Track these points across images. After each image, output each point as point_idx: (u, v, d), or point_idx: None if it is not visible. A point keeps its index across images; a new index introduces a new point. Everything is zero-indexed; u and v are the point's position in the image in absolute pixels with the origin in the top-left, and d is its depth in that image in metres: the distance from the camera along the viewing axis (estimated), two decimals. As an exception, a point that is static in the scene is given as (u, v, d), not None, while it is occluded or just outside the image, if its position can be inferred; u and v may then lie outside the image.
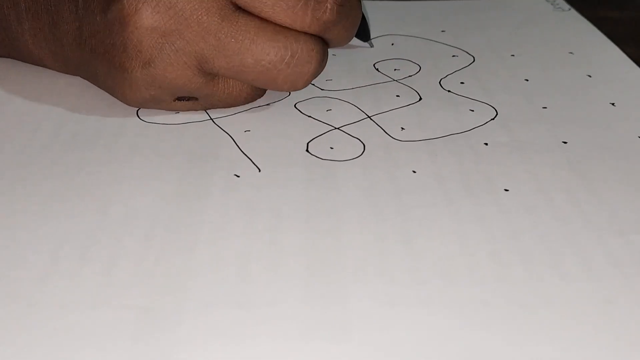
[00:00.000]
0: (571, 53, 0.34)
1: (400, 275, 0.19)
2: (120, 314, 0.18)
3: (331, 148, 0.26)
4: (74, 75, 0.30)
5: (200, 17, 0.24)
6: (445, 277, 0.19)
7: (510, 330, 0.18)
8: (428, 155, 0.25)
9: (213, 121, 0.27)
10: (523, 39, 0.36)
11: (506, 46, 0.35)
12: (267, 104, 0.28)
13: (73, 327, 0.18)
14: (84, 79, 0.29)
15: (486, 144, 0.26)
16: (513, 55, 0.34)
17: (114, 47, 0.25)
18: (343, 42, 0.27)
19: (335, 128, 0.27)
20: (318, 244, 0.21)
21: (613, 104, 0.29)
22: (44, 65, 0.30)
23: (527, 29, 0.37)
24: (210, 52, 0.25)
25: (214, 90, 0.26)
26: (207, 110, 0.28)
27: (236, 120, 0.27)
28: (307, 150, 0.25)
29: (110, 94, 0.27)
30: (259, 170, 0.24)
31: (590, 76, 0.31)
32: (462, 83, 0.31)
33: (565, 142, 0.26)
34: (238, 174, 0.24)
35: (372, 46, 0.34)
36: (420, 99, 0.29)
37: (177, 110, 0.27)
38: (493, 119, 0.28)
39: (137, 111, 0.28)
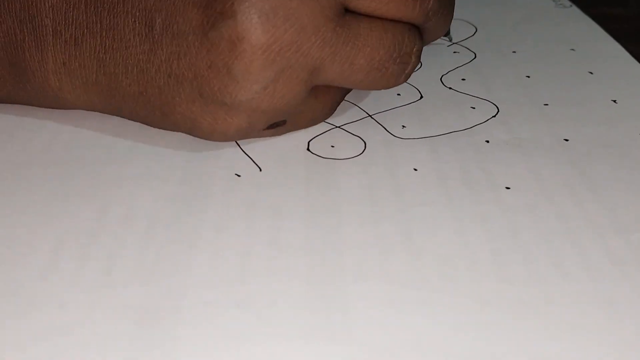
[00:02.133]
0: (573, 50, 0.34)
1: (400, 274, 0.19)
2: (119, 313, 0.18)
3: (332, 146, 0.26)
4: (112, 113, 0.26)
5: (318, 24, 0.22)
6: (446, 276, 0.19)
7: (510, 329, 0.18)
8: (429, 153, 0.25)
9: (214, 120, 0.27)
10: (524, 35, 0.35)
11: (507, 43, 0.35)
12: (268, 102, 0.28)
13: (72, 326, 0.18)
14: (130, 117, 0.26)
15: (487, 141, 0.26)
16: (514, 52, 0.33)
17: (212, 69, 0.22)
18: (439, 33, 0.26)
19: (336, 126, 0.27)
20: (318, 242, 0.21)
21: (615, 101, 0.29)
22: (64, 105, 0.26)
23: (528, 25, 0.37)
24: (326, 61, 0.23)
25: (305, 107, 0.25)
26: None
27: (237, 118, 0.27)
28: (307, 149, 0.25)
29: (185, 130, 0.24)
30: (260, 170, 0.24)
31: (592, 73, 0.31)
32: (463, 80, 0.31)
33: (566, 140, 0.26)
34: (239, 174, 0.24)
35: (451, 40, 0.33)
36: (422, 96, 0.29)
37: (259, 137, 0.26)
38: (494, 116, 0.28)
39: (138, 110, 0.28)
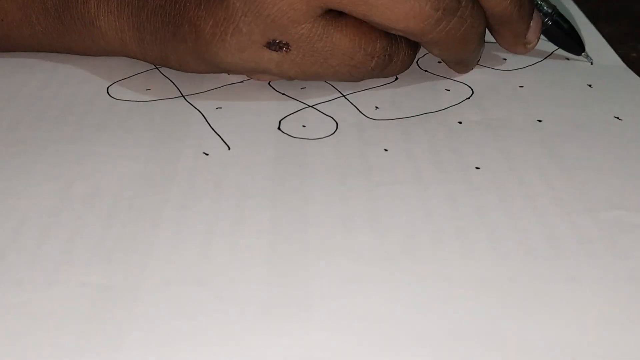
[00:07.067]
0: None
1: (364, 251, 0.19)
2: (77, 291, 0.18)
3: (303, 126, 0.25)
4: (137, 42, 0.28)
5: None
6: (410, 253, 0.19)
7: (474, 306, 0.17)
8: (401, 134, 0.25)
9: (184, 98, 0.27)
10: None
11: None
12: (241, 81, 0.28)
13: (29, 304, 0.17)
14: (150, 44, 0.27)
15: (460, 122, 0.26)
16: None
17: None
18: None
19: (309, 106, 0.27)
20: (283, 222, 0.20)
21: (590, 85, 0.29)
22: (96, 36, 0.28)
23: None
24: None
25: (311, 35, 0.25)
26: (180, 87, 0.27)
27: (208, 97, 0.27)
28: (278, 128, 0.25)
29: (191, 42, 0.26)
30: (229, 148, 0.24)
31: (568, 59, 0.31)
32: (439, 62, 0.30)
33: (540, 121, 0.26)
34: (207, 152, 0.24)
35: (592, 63, 0.30)
36: (397, 78, 0.29)
37: (264, 71, 0.26)
38: (469, 98, 0.27)
39: (108, 88, 0.27)
